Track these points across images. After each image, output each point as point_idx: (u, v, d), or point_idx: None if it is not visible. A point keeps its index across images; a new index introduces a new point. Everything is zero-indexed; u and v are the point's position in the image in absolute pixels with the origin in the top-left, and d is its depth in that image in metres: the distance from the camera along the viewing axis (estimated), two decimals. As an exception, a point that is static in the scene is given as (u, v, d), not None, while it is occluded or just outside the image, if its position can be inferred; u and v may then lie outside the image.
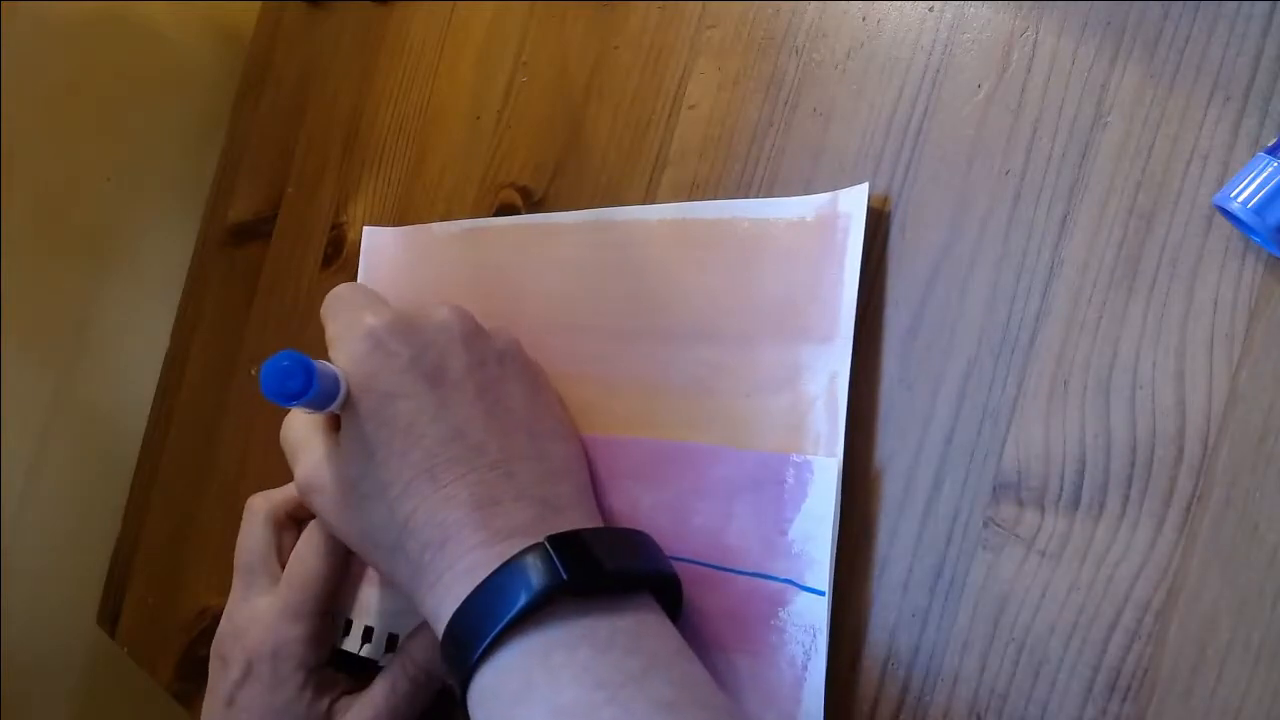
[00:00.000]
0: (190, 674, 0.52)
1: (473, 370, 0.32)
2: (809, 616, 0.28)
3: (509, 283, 0.40)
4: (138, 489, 0.61)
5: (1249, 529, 0.23)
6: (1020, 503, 0.26)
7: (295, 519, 0.39)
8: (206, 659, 0.37)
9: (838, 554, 0.28)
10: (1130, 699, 0.24)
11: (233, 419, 0.54)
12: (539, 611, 0.26)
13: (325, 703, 0.35)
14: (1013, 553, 0.26)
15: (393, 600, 0.40)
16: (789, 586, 0.29)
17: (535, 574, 0.26)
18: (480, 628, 0.26)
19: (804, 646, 0.28)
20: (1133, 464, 0.25)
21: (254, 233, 0.57)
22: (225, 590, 0.38)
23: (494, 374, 0.33)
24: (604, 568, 0.28)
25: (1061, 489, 0.26)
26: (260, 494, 0.39)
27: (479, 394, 0.31)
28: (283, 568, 0.38)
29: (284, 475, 0.42)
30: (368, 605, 0.41)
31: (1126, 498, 0.25)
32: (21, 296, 0.57)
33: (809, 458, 0.29)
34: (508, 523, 0.29)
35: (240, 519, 0.39)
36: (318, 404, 0.30)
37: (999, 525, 0.26)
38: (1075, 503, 0.25)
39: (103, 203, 0.61)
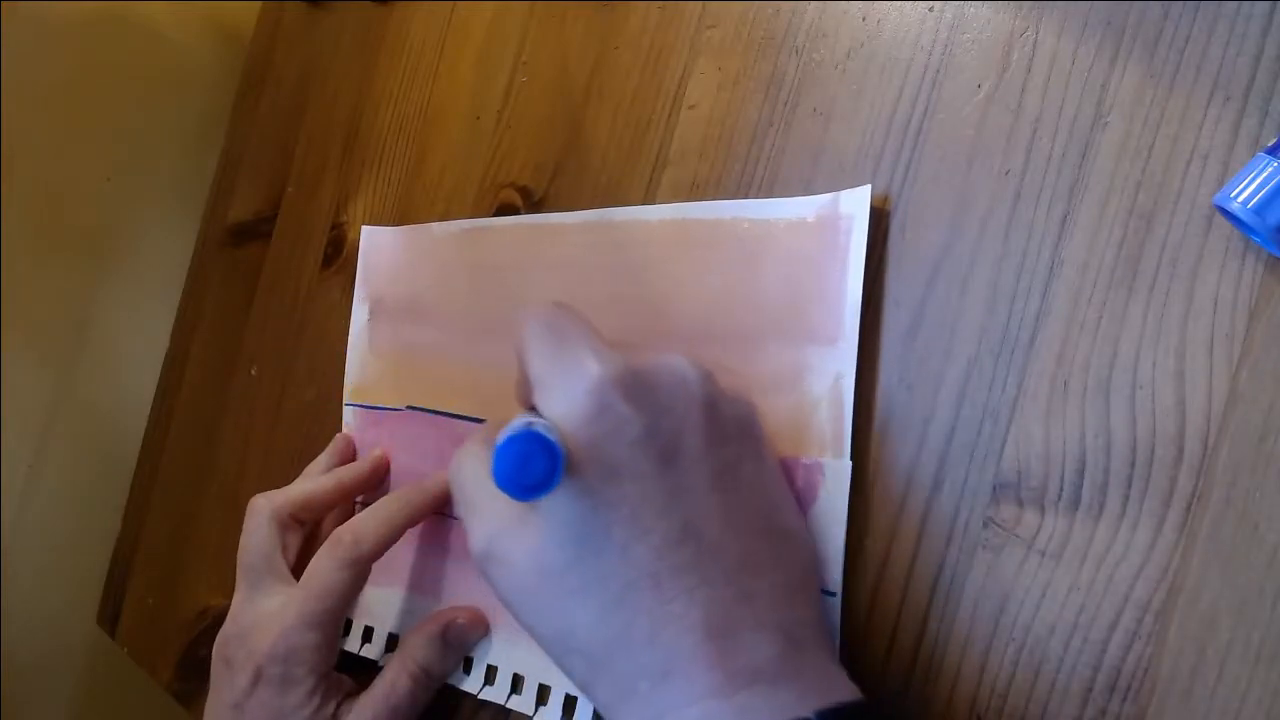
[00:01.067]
0: (190, 674, 0.52)
1: (712, 447, 0.26)
2: (815, 617, 0.28)
3: (509, 283, 0.40)
4: (138, 489, 0.61)
5: (1249, 529, 0.23)
6: (1020, 503, 0.26)
7: (298, 519, 0.39)
8: (207, 659, 0.37)
9: (838, 554, 0.28)
10: (1130, 699, 0.24)
11: (233, 419, 0.54)
12: None
13: (332, 707, 0.35)
14: (1013, 553, 0.26)
15: (392, 601, 0.40)
16: (790, 587, 0.29)
17: None
18: None
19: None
20: (1133, 464, 0.25)
21: (254, 233, 0.57)
22: (225, 590, 0.38)
23: (733, 453, 0.27)
24: None
25: (1061, 489, 0.26)
26: (262, 494, 0.39)
27: (716, 480, 0.26)
28: (288, 568, 0.38)
29: (284, 476, 0.43)
30: (367, 605, 0.41)
31: (1126, 498, 0.25)
32: (21, 296, 0.57)
33: (820, 460, 0.29)
34: (748, 662, 0.24)
35: (240, 519, 0.39)
36: None
37: (999, 525, 0.27)
38: (1075, 503, 0.25)
39: (103, 203, 0.61)
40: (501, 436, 0.24)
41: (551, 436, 0.24)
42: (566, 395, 0.25)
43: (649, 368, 0.26)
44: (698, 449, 0.26)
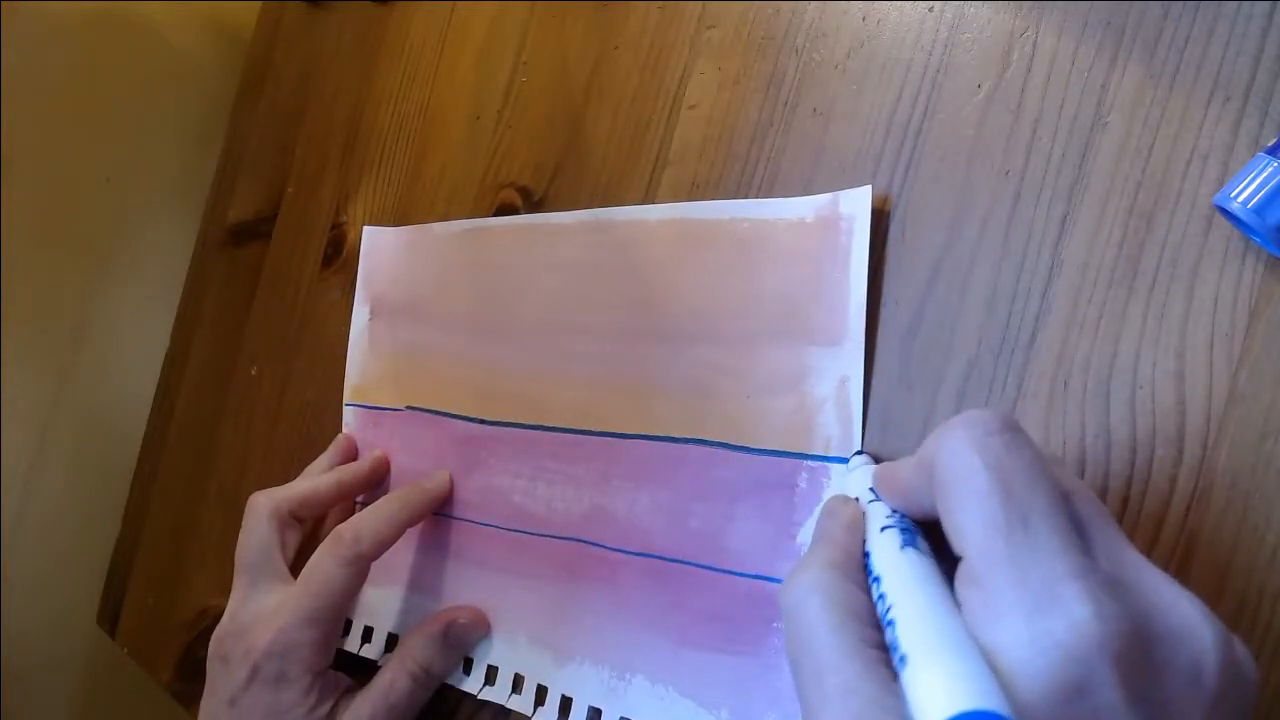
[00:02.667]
0: (190, 674, 0.52)
1: None
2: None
3: (509, 283, 0.40)
4: (138, 489, 0.61)
5: (1249, 529, 0.23)
6: (1020, 503, 0.26)
7: (298, 517, 0.39)
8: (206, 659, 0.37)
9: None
10: (1130, 699, 0.24)
11: (233, 419, 0.54)
12: None
13: (328, 705, 0.35)
14: (1013, 553, 0.26)
15: (392, 601, 0.40)
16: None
17: None
18: None
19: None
20: (1133, 464, 0.25)
21: (254, 233, 0.57)
22: (225, 590, 0.38)
23: None
24: None
25: (1061, 489, 0.26)
26: (262, 492, 0.39)
27: None
28: (287, 565, 0.38)
29: (284, 475, 0.42)
30: (367, 605, 0.41)
31: (1126, 498, 0.25)
32: (21, 296, 0.57)
33: (825, 463, 0.29)
34: None
35: (240, 519, 0.39)
36: None
37: (999, 525, 0.26)
38: (1075, 503, 0.25)
39: (103, 203, 0.61)
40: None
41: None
42: (1032, 640, 0.17)
43: (1161, 633, 0.18)
44: None
